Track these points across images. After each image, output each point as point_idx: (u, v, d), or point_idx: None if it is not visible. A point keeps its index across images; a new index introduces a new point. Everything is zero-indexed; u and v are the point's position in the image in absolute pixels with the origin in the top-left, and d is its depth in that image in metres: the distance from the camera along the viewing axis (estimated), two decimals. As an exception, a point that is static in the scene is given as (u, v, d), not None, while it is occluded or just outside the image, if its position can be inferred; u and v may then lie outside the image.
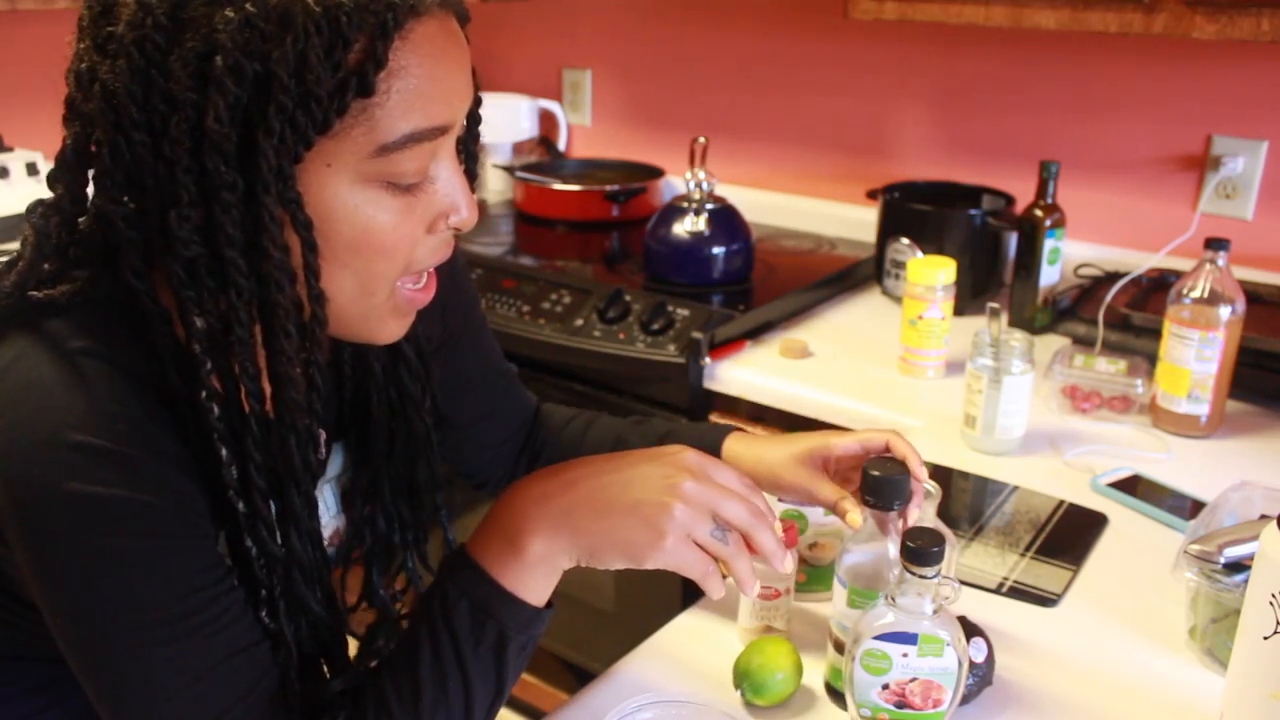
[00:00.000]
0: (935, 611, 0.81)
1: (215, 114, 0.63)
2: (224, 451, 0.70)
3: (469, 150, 0.83)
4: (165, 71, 0.64)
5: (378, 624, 0.96)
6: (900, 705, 0.83)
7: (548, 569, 0.75)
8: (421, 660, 0.73)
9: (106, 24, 0.66)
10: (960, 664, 0.82)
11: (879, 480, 0.88)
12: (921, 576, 0.80)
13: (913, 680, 0.82)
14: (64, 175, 0.71)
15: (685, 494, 0.74)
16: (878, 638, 0.82)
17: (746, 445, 1.03)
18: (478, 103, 0.81)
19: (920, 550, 0.80)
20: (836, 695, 0.93)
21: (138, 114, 0.65)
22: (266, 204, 0.66)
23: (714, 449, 1.04)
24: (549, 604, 0.77)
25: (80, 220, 0.73)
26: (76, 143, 0.70)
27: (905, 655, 0.82)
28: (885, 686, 0.83)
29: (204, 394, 0.69)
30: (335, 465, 0.90)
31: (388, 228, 0.71)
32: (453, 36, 0.71)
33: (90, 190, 0.71)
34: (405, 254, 0.73)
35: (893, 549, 0.89)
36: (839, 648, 0.91)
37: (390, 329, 0.78)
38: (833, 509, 0.95)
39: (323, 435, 0.87)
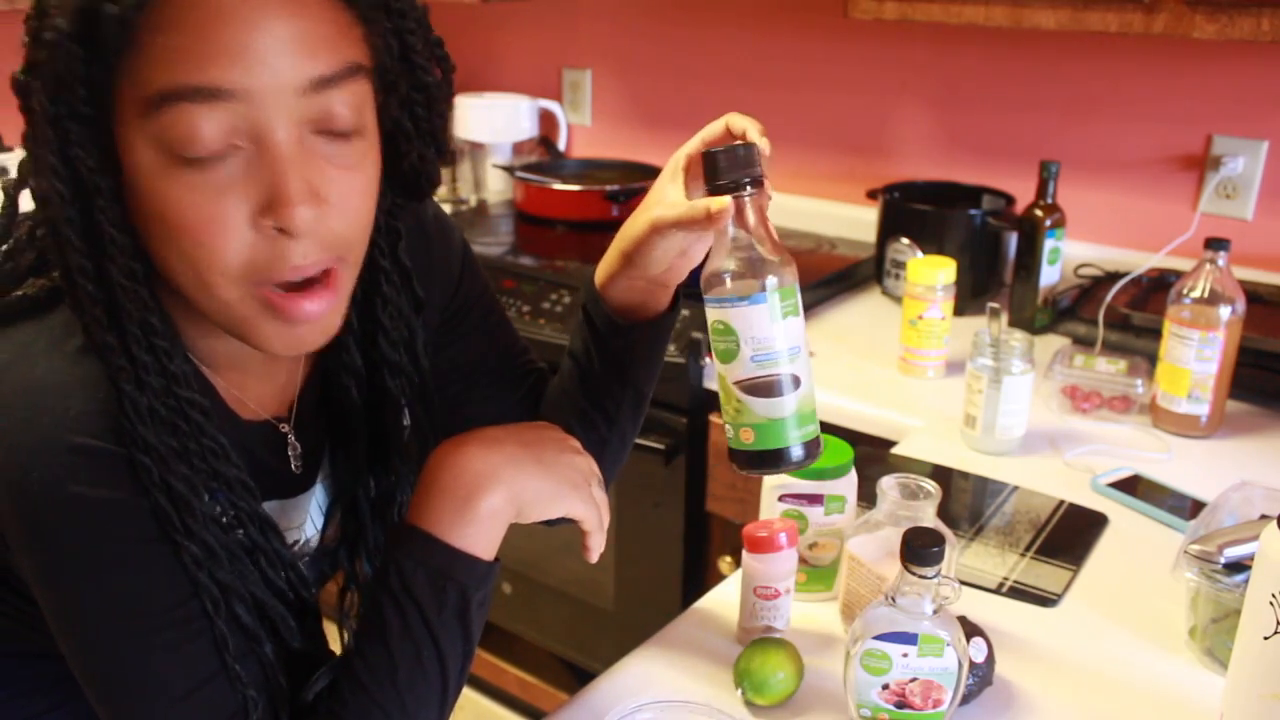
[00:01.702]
0: (935, 611, 0.81)
1: (29, 66, 0.64)
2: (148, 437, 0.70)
3: (414, 123, 0.77)
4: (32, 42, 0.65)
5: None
6: (900, 705, 0.83)
7: (498, 523, 0.76)
8: (391, 637, 0.73)
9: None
10: (960, 664, 0.82)
11: (716, 154, 0.74)
12: (921, 576, 0.80)
13: (913, 680, 0.82)
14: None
15: (585, 455, 0.83)
16: (878, 638, 0.82)
17: (606, 260, 0.91)
18: (422, 88, 0.75)
19: (920, 550, 0.79)
20: (766, 460, 0.78)
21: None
22: (83, 175, 0.65)
23: (595, 297, 0.92)
24: (496, 558, 0.77)
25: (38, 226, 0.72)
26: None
27: (905, 655, 0.82)
28: (885, 686, 0.83)
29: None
30: (328, 467, 0.90)
31: (185, 206, 0.64)
32: None
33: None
34: (223, 247, 0.65)
35: (751, 225, 0.76)
36: (755, 390, 0.76)
37: (268, 336, 0.70)
38: (690, 220, 0.78)
39: (295, 447, 0.86)
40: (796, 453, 0.77)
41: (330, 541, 0.91)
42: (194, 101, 0.62)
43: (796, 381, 0.76)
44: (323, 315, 0.70)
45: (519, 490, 0.76)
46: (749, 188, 0.75)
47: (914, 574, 0.80)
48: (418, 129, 0.78)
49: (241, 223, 0.65)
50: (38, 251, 0.73)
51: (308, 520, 0.88)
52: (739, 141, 0.76)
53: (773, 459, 0.77)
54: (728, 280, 0.75)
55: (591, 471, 0.83)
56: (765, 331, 0.74)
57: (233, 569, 0.72)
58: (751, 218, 0.75)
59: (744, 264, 0.75)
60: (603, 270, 0.91)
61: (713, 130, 0.84)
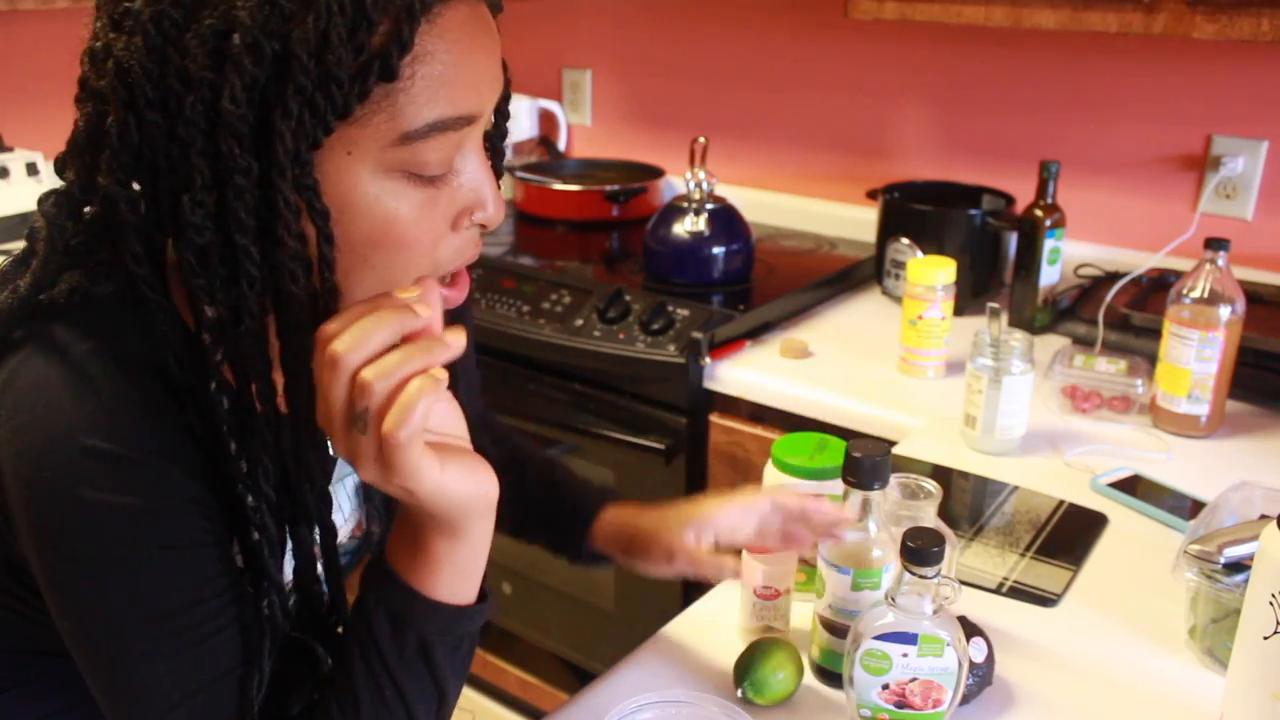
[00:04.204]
0: (935, 612, 0.81)
1: (231, 94, 0.61)
2: (232, 445, 0.69)
3: (495, 146, 0.80)
4: (182, 49, 0.62)
5: None
6: (900, 705, 0.83)
7: (460, 565, 0.71)
8: (355, 674, 0.71)
9: (123, 0, 0.64)
10: (960, 665, 0.82)
11: (860, 461, 0.89)
12: (922, 576, 0.80)
13: (913, 680, 0.82)
14: (74, 158, 0.69)
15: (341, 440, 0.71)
16: (878, 638, 0.82)
17: (627, 510, 1.06)
18: (506, 97, 0.78)
19: (920, 550, 0.79)
20: (827, 675, 0.95)
21: (152, 92, 0.63)
22: (282, 190, 0.63)
23: (593, 510, 1.06)
24: (483, 597, 0.73)
25: (85, 209, 0.70)
26: (88, 123, 0.67)
27: (905, 655, 0.82)
28: (885, 686, 0.83)
29: (213, 385, 0.67)
30: None
31: (409, 221, 0.68)
32: (483, 23, 0.68)
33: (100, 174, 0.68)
34: (428, 250, 0.70)
35: (874, 528, 0.91)
36: (831, 629, 0.93)
37: None
38: (715, 575, 0.97)
39: None
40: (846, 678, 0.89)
41: (356, 534, 0.91)
42: (454, 130, 0.67)
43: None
44: (461, 300, 0.76)
45: (436, 520, 0.69)
46: (875, 488, 0.90)
47: (914, 574, 0.80)
48: (493, 154, 0.81)
49: (447, 226, 0.71)
50: (66, 253, 0.71)
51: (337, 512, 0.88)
52: (879, 452, 0.90)
53: (827, 676, 0.96)
54: (834, 542, 0.92)
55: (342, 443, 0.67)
56: (841, 593, 0.92)
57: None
58: (869, 510, 0.91)
59: (853, 542, 0.92)
60: (608, 531, 1.05)
61: (756, 503, 0.98)
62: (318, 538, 0.76)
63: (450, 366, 0.95)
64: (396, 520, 0.73)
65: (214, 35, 0.61)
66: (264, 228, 0.64)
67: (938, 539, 0.80)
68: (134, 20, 0.63)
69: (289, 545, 0.75)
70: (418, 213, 0.68)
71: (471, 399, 1.06)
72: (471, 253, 0.74)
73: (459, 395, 0.82)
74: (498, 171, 0.81)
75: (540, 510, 1.08)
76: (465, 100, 0.67)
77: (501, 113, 0.79)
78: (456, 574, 0.71)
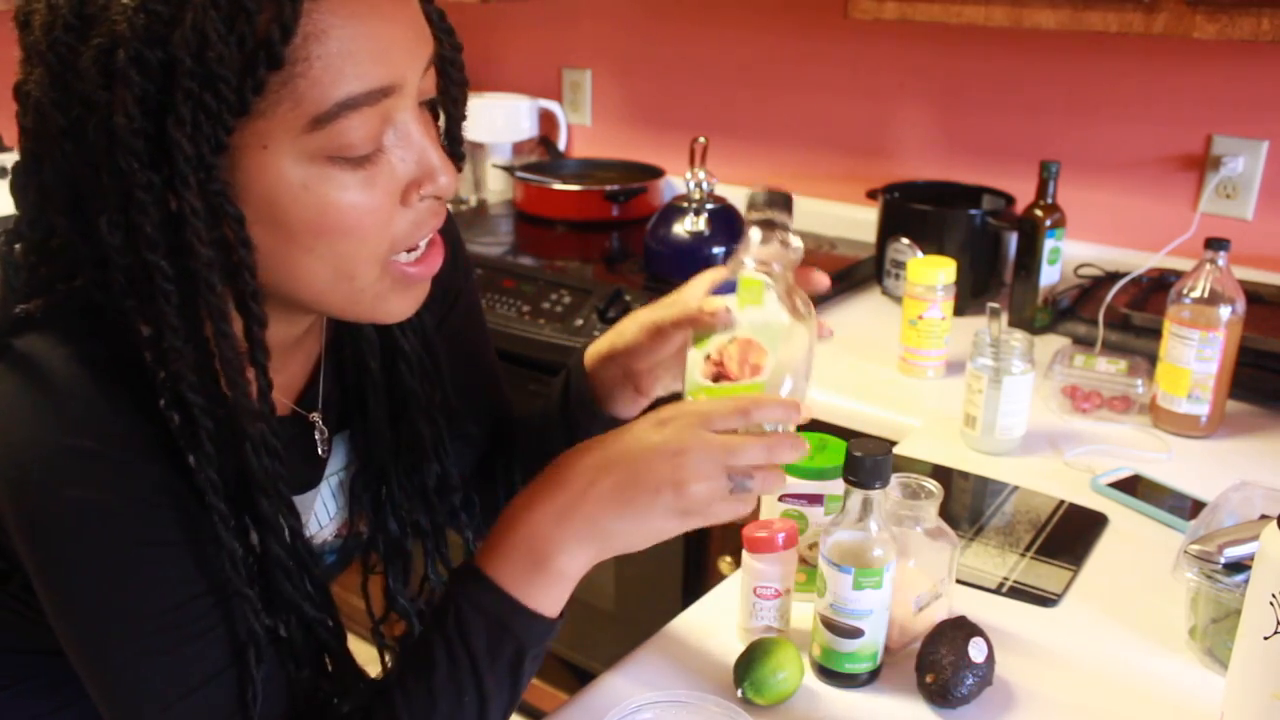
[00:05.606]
0: (769, 270, 0.73)
1: (124, 110, 0.60)
2: (191, 458, 0.68)
3: (448, 109, 0.77)
4: (77, 73, 0.61)
5: (407, 634, 0.94)
6: (718, 378, 0.74)
7: (571, 582, 0.74)
8: (437, 676, 0.72)
9: (28, 34, 0.64)
10: (788, 319, 0.72)
11: (861, 460, 0.86)
12: (762, 224, 0.73)
13: (731, 342, 0.73)
14: (18, 194, 0.69)
15: (696, 470, 0.71)
16: (715, 293, 0.77)
17: (602, 338, 0.98)
18: (456, 49, 0.75)
19: (759, 195, 0.74)
20: (827, 675, 0.94)
21: (62, 121, 0.63)
22: (186, 198, 0.62)
23: (579, 364, 0.97)
24: (561, 613, 0.76)
25: (51, 239, 0.71)
26: (23, 158, 0.68)
27: (728, 311, 0.74)
28: (707, 357, 0.74)
29: (161, 402, 0.67)
30: (339, 459, 0.90)
31: (346, 205, 0.65)
32: None
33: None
34: (378, 231, 0.68)
35: (874, 527, 0.88)
36: (832, 628, 0.91)
37: (394, 307, 0.73)
38: (701, 313, 0.80)
39: (323, 431, 0.86)
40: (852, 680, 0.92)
41: (342, 533, 0.91)
42: (370, 105, 0.64)
43: (860, 632, 0.90)
44: (435, 273, 0.74)
45: (601, 548, 0.74)
46: (877, 487, 0.87)
47: (757, 223, 0.74)
48: (449, 121, 0.79)
49: (395, 204, 0.68)
50: (34, 280, 0.72)
51: (313, 516, 0.88)
52: (881, 451, 0.86)
53: (828, 676, 0.95)
54: (830, 540, 0.88)
55: (712, 491, 0.72)
56: (842, 592, 0.88)
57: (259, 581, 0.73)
58: (870, 510, 0.87)
59: (854, 541, 0.88)
60: (592, 355, 0.97)
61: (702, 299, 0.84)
62: (276, 548, 0.74)
63: (463, 370, 0.97)
64: (496, 529, 0.74)
65: (102, 53, 0.60)
66: (177, 240, 0.63)
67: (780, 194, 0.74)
68: (36, 52, 0.63)
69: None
70: (355, 196, 0.66)
71: (486, 390, 1.05)
72: (432, 223, 0.72)
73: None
74: (454, 127, 0.78)
75: (550, 421, 0.99)
76: (375, 73, 0.64)
77: (451, 63, 0.75)
78: (564, 590, 0.74)
